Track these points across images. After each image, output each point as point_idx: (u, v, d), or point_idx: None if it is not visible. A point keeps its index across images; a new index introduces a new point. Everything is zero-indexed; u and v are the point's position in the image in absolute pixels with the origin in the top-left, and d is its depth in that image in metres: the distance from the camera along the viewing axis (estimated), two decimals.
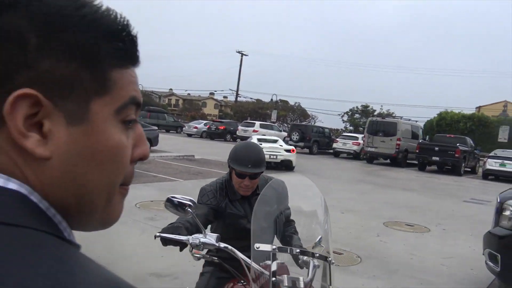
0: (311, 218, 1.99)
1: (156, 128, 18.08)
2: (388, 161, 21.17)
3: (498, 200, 4.31)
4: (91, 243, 4.92)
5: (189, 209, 1.76)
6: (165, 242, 1.92)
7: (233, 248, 1.82)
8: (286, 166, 15.46)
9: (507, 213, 4.11)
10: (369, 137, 20.43)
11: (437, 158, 18.27)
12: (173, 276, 4.16)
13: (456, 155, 17.91)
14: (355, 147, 22.64)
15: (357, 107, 49.11)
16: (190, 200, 1.80)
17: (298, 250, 1.74)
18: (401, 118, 20.54)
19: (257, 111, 51.24)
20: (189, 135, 31.61)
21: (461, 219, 8.49)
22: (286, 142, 23.35)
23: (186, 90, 74.47)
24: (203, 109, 69.04)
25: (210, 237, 1.81)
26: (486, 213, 9.51)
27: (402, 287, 4.45)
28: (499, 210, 4.22)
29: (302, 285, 1.66)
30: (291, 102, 53.35)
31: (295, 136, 23.14)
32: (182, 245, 1.87)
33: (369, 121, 21.36)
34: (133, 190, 8.31)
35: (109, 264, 3.30)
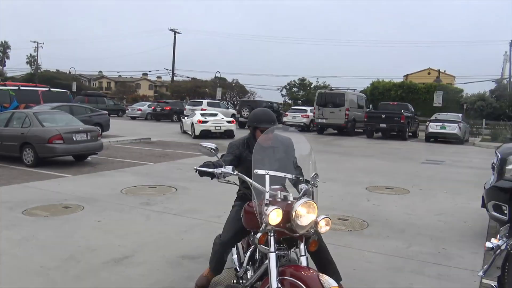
0: (308, 161, 2.85)
1: (106, 112, 17.21)
2: (336, 131, 22.00)
3: (500, 156, 4.69)
4: (104, 233, 4.70)
5: (213, 151, 2.77)
6: (201, 173, 2.80)
7: (243, 175, 2.70)
8: (228, 135, 17.90)
9: (510, 167, 4.50)
10: (319, 109, 21.00)
11: (385, 125, 19.31)
12: (205, 257, 4.07)
13: (402, 121, 19.05)
14: (304, 120, 23.19)
15: (294, 80, 49.90)
16: (215, 147, 2.81)
17: (288, 175, 2.71)
18: (347, 89, 21.27)
19: (195, 89, 50.41)
20: (133, 118, 30.49)
21: (428, 179, 9.11)
22: (237, 119, 23.39)
23: (118, 72, 70.98)
24: (138, 90, 66.57)
25: (228, 168, 2.67)
26: (444, 172, 10.34)
27: (418, 243, 4.74)
28: (502, 164, 4.60)
29: (291, 198, 2.51)
30: (229, 79, 53.01)
31: (245, 112, 23.18)
32: (211, 174, 2.73)
33: (318, 94, 21.90)
34: (110, 178, 8.10)
35: (136, 253, 3.23)
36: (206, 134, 17.34)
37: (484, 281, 2.94)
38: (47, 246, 4.33)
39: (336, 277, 2.84)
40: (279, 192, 2.55)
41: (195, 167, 2.83)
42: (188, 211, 5.82)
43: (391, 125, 19.23)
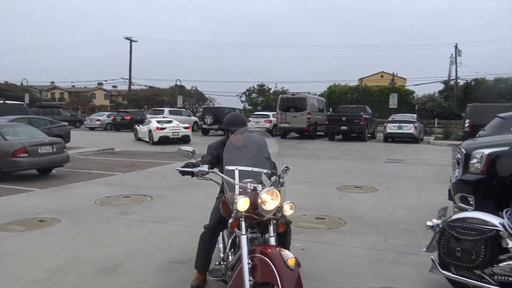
0: (278, 157, 3.37)
1: (67, 124, 16.74)
2: (298, 135, 22.46)
3: (464, 151, 5.07)
4: (88, 243, 4.66)
5: (191, 154, 3.29)
6: (182, 173, 3.29)
7: (217, 171, 3.22)
8: (184, 140, 18.86)
9: (474, 161, 4.88)
10: (282, 113, 21.39)
11: (345, 127, 19.97)
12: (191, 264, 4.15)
13: (361, 123, 19.77)
14: (267, 125, 23.51)
15: (253, 86, 50.32)
16: (193, 150, 3.33)
17: (256, 169, 3.12)
18: (308, 94, 21.82)
19: (153, 98, 49.63)
20: (91, 129, 29.66)
21: (393, 177, 9.56)
22: (200, 126, 23.33)
23: (71, 82, 68.64)
24: (93, 100, 64.63)
25: (204, 167, 3.19)
26: (406, 170, 10.88)
27: (394, 236, 5.03)
28: (467, 159, 4.98)
29: (260, 188, 2.92)
30: (188, 87, 52.54)
31: (208, 120, 23.18)
32: (191, 173, 3.22)
33: (280, 99, 22.29)
34: (81, 189, 7.95)
35: (125, 261, 3.35)
36: (164, 140, 18.10)
37: (431, 256, 3.44)
38: (32, 260, 4.25)
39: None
40: (249, 184, 3.01)
41: (176, 168, 3.36)
42: (169, 218, 5.84)
43: (352, 127, 19.92)
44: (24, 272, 3.94)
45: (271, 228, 2.97)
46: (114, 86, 68.00)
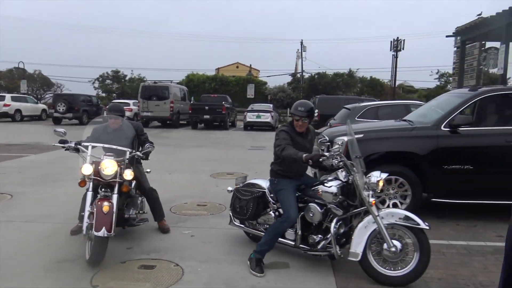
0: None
1: None
2: (161, 124, 22.17)
3: (327, 139, 5.86)
4: None
5: (63, 134, 4.41)
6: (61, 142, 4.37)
7: (81, 146, 4.29)
8: None
9: (336, 147, 5.67)
10: (144, 102, 20.80)
11: (208, 116, 20.47)
12: (84, 259, 4.00)
13: (223, 112, 20.52)
14: (128, 113, 22.57)
15: (107, 72, 47.38)
16: (64, 130, 4.43)
17: (106, 145, 4.24)
18: (171, 82, 21.63)
19: None
20: None
21: (259, 163, 10.27)
22: (51, 115, 21.20)
23: None
24: None
25: (72, 143, 4.32)
26: (270, 156, 11.70)
27: None
28: (329, 145, 5.77)
29: (103, 158, 4.04)
30: (30, 70, 46.78)
31: (61, 107, 21.19)
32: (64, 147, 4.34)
33: (141, 87, 21.60)
34: None
35: (4, 267, 3.39)
36: None
37: (230, 213, 4.60)
38: None
39: (160, 216, 4.93)
40: (102, 156, 4.06)
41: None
42: (39, 216, 5.38)
43: (214, 116, 20.52)
44: None
45: (115, 189, 3.96)
46: None
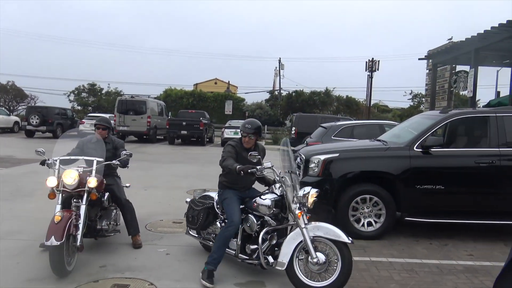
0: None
1: None
2: (137, 138, 21.92)
3: (304, 157, 5.93)
4: None
5: (42, 153, 4.40)
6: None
7: (57, 162, 4.36)
8: None
9: (312, 165, 5.76)
10: (120, 116, 20.56)
11: (186, 132, 20.37)
12: (54, 278, 3.90)
13: (201, 128, 20.46)
14: None
15: (83, 85, 46.65)
16: (43, 150, 4.39)
17: (79, 157, 4.64)
18: (148, 97, 21.49)
19: None
20: None
21: None
22: (24, 127, 20.67)
23: None
24: None
25: (51, 159, 4.44)
26: None
27: None
28: (306, 164, 5.84)
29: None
30: (2, 81, 45.57)
31: (34, 120, 20.69)
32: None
33: (118, 101, 21.35)
34: None
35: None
36: None
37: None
38: None
39: (134, 230, 4.88)
40: (78, 168, 4.32)
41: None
42: (9, 233, 5.21)
43: (192, 131, 20.44)
44: None
45: (83, 199, 4.11)
46: None
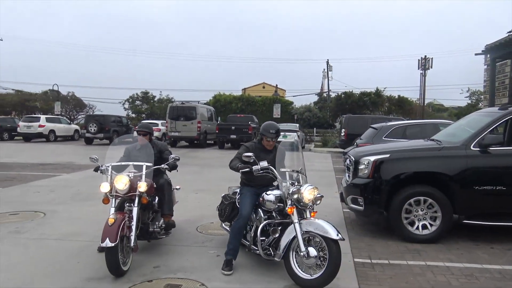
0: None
1: None
2: (188, 144, 22.49)
3: (353, 159, 5.81)
4: None
5: (95, 160, 4.70)
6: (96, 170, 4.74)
7: (108, 167, 4.60)
8: None
9: (362, 167, 5.63)
10: (172, 122, 21.23)
11: (235, 136, 20.65)
12: (111, 277, 4.07)
13: (249, 132, 20.66)
14: (156, 133, 23.06)
15: (137, 94, 48.68)
16: (96, 157, 4.71)
17: (123, 163, 4.82)
18: (198, 103, 22.04)
19: (23, 103, 44.83)
20: None
21: None
22: (83, 135, 21.86)
23: None
24: None
25: (103, 166, 4.63)
26: None
27: None
28: (356, 165, 5.72)
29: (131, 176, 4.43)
30: (64, 92, 48.53)
31: (92, 128, 21.88)
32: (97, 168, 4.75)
33: (169, 107, 22.08)
34: None
35: (31, 285, 3.36)
36: None
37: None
38: None
39: (169, 210, 5.11)
40: (129, 173, 4.50)
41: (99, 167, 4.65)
42: (70, 234, 5.53)
43: (241, 135, 20.68)
44: None
45: (135, 202, 4.28)
46: None
